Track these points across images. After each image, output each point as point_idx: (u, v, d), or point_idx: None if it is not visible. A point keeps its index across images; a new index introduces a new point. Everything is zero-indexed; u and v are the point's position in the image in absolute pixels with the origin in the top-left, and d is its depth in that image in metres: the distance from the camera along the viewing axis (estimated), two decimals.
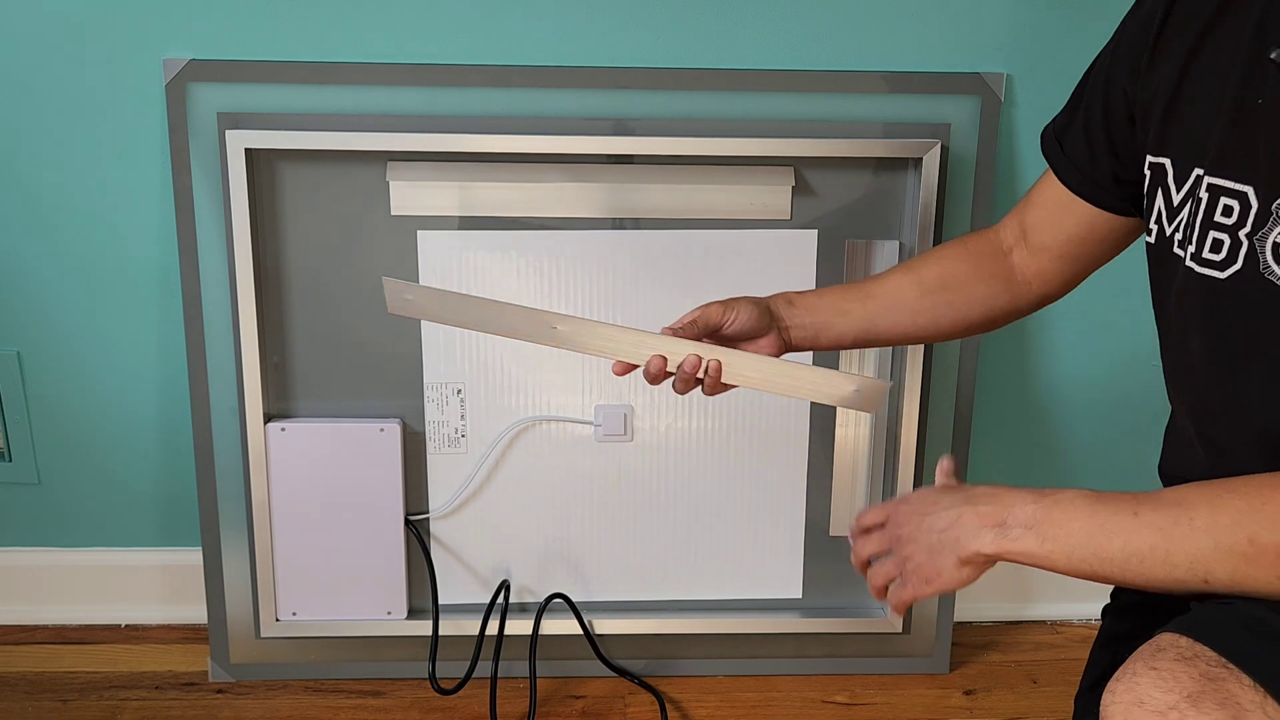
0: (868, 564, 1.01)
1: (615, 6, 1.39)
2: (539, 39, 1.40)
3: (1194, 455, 0.98)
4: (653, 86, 1.41)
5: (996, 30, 1.43)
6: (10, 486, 1.59)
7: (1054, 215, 1.10)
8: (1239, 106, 0.87)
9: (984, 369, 1.57)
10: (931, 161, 1.41)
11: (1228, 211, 0.88)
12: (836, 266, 1.47)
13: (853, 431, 1.54)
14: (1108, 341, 1.57)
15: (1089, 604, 1.68)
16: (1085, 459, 1.64)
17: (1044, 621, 1.71)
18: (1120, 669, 0.77)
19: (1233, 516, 0.80)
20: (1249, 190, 0.86)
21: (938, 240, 1.45)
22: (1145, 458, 1.11)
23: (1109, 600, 1.13)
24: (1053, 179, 1.09)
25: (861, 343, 1.17)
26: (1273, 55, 0.82)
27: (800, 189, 1.45)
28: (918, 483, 1.53)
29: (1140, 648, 0.78)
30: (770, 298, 1.14)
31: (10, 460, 1.58)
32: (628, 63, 1.41)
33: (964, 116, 1.43)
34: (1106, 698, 0.76)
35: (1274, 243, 0.85)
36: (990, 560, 0.89)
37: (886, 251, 1.47)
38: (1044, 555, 0.85)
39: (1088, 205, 1.07)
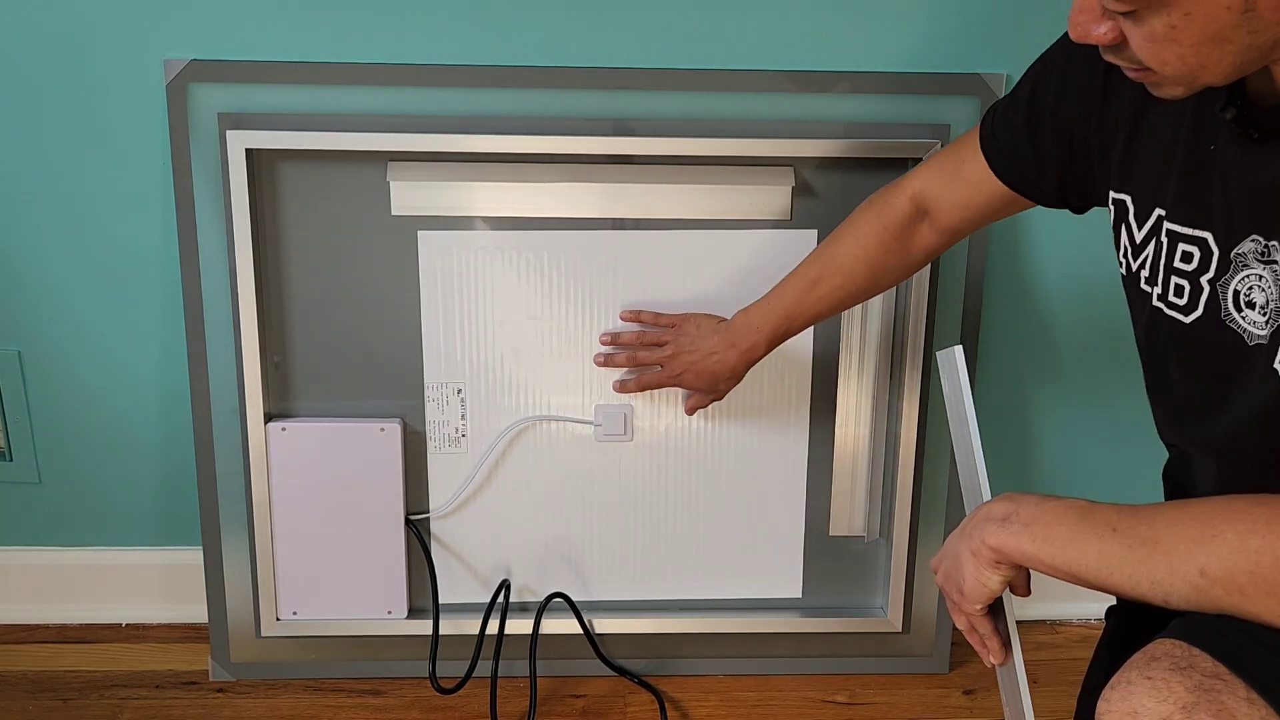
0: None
1: (615, 6, 1.39)
2: (539, 39, 1.40)
3: (1189, 465, 0.99)
4: (653, 86, 1.41)
5: (996, 30, 1.42)
6: (10, 486, 1.59)
7: (982, 198, 1.13)
8: (1191, 153, 0.87)
9: (984, 367, 1.57)
10: None
11: (1187, 258, 0.88)
12: None
13: (853, 431, 1.54)
14: (1113, 349, 1.57)
15: (1089, 604, 1.68)
16: (1086, 462, 1.64)
17: (1044, 621, 1.71)
18: (1115, 676, 0.77)
19: (1187, 547, 0.79)
20: (1208, 236, 0.86)
21: None
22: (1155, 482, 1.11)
23: (1114, 600, 1.13)
24: (983, 167, 1.11)
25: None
26: (1220, 109, 0.82)
27: (800, 189, 1.45)
28: (917, 483, 1.53)
29: (1135, 655, 0.78)
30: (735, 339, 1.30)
31: (10, 460, 1.58)
32: (628, 63, 1.41)
33: (964, 116, 1.43)
34: (1101, 705, 0.76)
35: (1234, 290, 0.85)
36: (998, 554, 0.88)
37: None
38: (1034, 554, 0.86)
39: (1019, 196, 1.10)
